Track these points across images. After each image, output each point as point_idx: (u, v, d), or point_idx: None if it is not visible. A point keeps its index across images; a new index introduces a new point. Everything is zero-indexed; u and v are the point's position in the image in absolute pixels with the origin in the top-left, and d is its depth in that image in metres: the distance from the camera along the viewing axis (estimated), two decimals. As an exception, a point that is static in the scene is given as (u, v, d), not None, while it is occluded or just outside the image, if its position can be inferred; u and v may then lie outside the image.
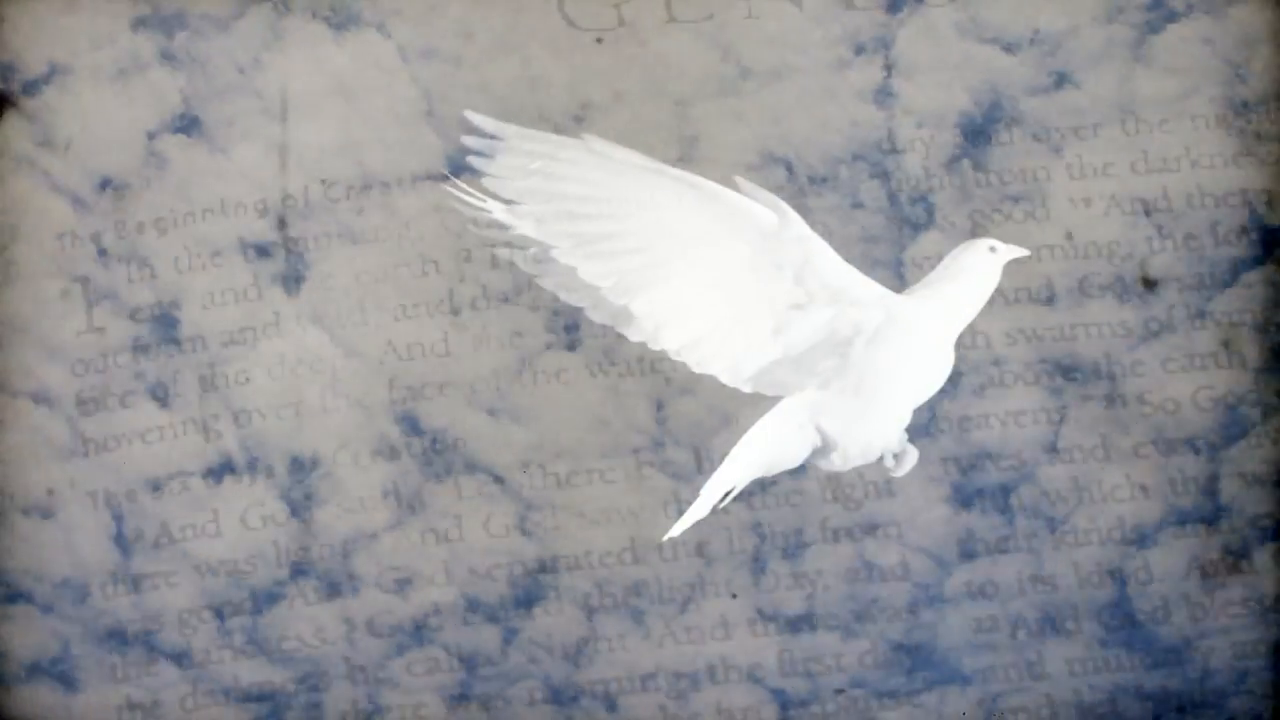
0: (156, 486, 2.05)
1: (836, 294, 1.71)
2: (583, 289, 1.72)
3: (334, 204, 2.07)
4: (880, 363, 1.73)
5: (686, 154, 2.11)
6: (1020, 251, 1.78)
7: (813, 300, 1.71)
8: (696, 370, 1.74)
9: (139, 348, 2.03)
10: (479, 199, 1.71)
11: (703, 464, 1.93)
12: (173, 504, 2.05)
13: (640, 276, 1.68)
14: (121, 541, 2.06)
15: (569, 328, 2.07)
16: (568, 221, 1.65)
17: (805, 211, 2.02)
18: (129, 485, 2.06)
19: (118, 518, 2.05)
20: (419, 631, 2.07)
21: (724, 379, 1.74)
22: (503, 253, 1.76)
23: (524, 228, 1.67)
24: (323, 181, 2.06)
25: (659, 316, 1.70)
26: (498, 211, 1.69)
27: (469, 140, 1.62)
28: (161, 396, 2.05)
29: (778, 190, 2.02)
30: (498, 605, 2.09)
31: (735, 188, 1.68)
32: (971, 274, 1.76)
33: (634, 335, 1.74)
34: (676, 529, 1.74)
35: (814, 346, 1.73)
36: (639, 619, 2.12)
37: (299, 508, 2.07)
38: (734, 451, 1.73)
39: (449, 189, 1.73)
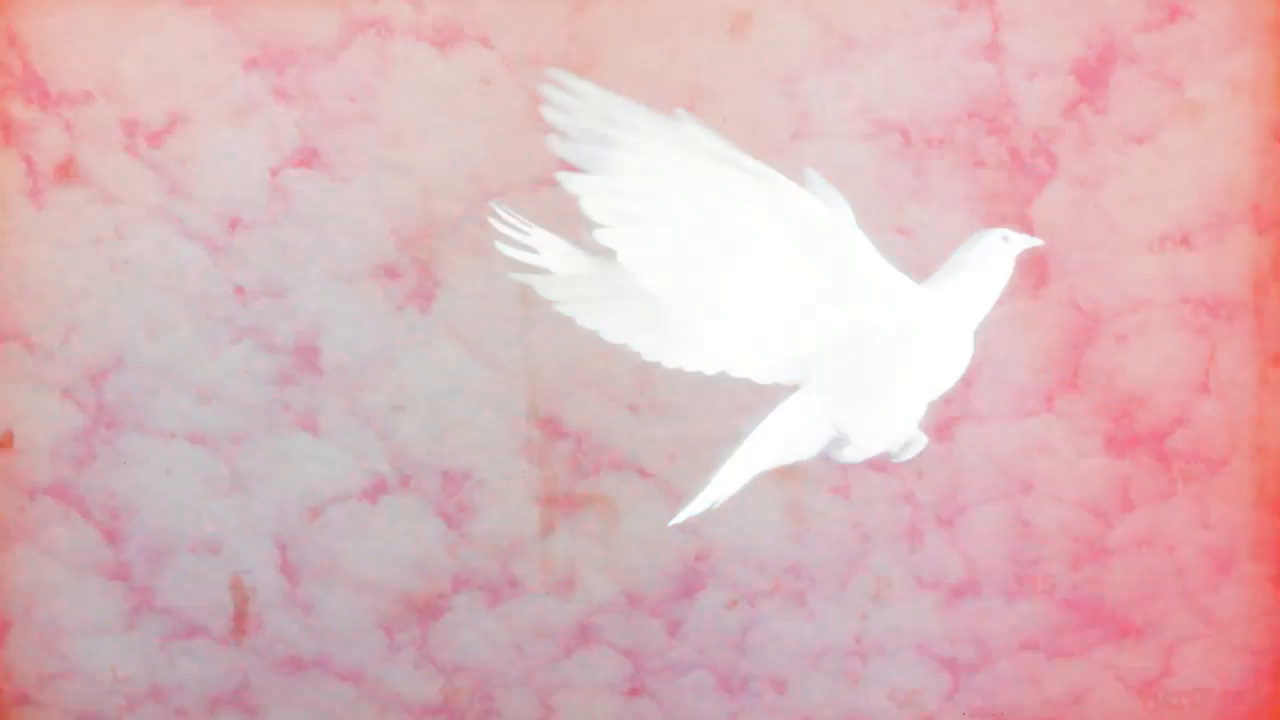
0: (316, 513, 2.15)
1: (870, 290, 1.72)
2: (601, 311, 1.77)
3: (456, 219, 2.12)
4: (898, 357, 1.75)
5: (799, 130, 2.10)
6: (1033, 241, 1.79)
7: (848, 295, 1.72)
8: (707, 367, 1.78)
9: (284, 379, 2.14)
10: (522, 224, 1.78)
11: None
12: (333, 528, 2.15)
13: (684, 269, 1.67)
14: (288, 569, 2.15)
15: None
16: (626, 199, 1.63)
17: (925, 174, 2.07)
18: (288, 514, 2.16)
19: (281, 547, 2.15)
20: (584, 631, 2.11)
21: (740, 369, 1.76)
22: (523, 278, 1.80)
23: (553, 261, 1.74)
24: (443, 198, 2.13)
25: (692, 313, 1.69)
26: (537, 237, 1.77)
27: (545, 90, 1.59)
28: (311, 425, 2.15)
29: (895, 157, 2.06)
30: (660, 598, 2.13)
31: (804, 180, 1.67)
32: (985, 265, 1.77)
33: (649, 355, 1.78)
34: (681, 516, 1.79)
35: (835, 339, 1.74)
36: (800, 600, 2.14)
37: (455, 520, 2.13)
38: (748, 441, 1.77)
39: (493, 208, 1.81)
